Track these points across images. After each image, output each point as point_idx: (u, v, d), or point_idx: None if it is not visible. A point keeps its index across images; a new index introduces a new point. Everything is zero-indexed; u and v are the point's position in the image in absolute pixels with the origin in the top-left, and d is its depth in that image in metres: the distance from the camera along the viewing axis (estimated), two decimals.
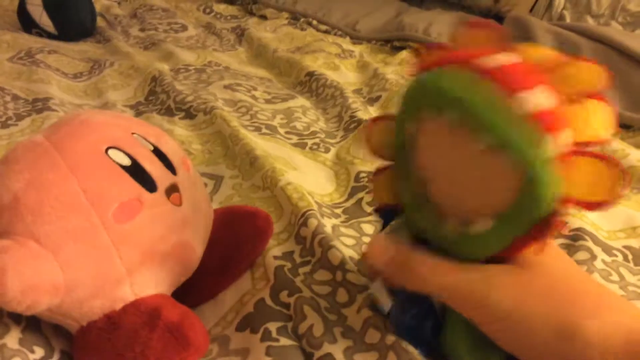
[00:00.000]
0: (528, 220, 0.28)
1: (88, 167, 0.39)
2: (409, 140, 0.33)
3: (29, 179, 0.38)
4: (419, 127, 0.32)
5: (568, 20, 1.07)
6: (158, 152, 0.43)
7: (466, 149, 0.29)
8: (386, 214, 0.40)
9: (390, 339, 0.37)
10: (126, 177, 0.40)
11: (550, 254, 0.31)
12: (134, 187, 0.40)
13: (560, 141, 0.27)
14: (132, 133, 0.43)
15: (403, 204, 0.36)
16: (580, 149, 0.28)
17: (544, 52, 0.29)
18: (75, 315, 0.39)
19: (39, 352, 0.39)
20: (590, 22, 1.06)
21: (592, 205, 0.27)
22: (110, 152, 0.41)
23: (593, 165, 0.27)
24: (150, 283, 0.41)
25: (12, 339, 0.38)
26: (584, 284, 0.31)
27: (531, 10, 1.12)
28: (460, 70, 0.28)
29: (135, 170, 0.41)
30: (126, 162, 0.41)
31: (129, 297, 0.40)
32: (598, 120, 0.28)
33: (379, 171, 0.38)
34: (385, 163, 0.37)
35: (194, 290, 0.46)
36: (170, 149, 0.45)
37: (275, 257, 0.48)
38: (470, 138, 0.28)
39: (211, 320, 0.45)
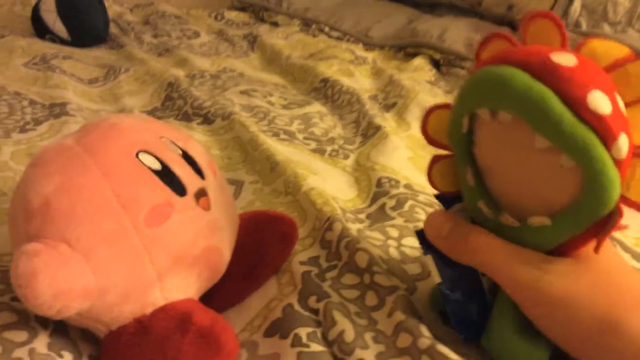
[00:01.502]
0: (588, 219, 0.28)
1: (120, 171, 0.39)
2: (467, 133, 0.33)
3: (60, 182, 0.38)
4: (478, 122, 0.32)
5: (584, 27, 1.07)
6: (186, 156, 0.43)
7: (526, 147, 0.29)
8: (447, 199, 0.39)
9: (424, 342, 0.37)
10: (157, 181, 0.40)
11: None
12: (164, 191, 0.40)
13: (622, 143, 0.27)
14: (161, 137, 0.43)
15: (461, 191, 0.36)
16: (637, 151, 0.28)
17: (608, 46, 0.29)
18: (105, 320, 0.39)
19: (68, 356, 0.39)
20: (607, 29, 1.05)
21: None
22: (140, 156, 0.40)
23: None
24: (180, 287, 0.41)
25: (41, 343, 0.38)
26: (629, 277, 0.31)
27: None
28: (525, 68, 0.28)
29: (166, 174, 0.41)
30: (156, 166, 0.40)
31: (159, 301, 0.39)
32: None
33: (436, 159, 0.38)
34: (442, 152, 0.38)
35: (219, 295, 0.46)
36: (197, 153, 0.45)
37: (302, 263, 0.48)
38: (531, 137, 0.28)
39: (238, 326, 0.45)
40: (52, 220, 0.37)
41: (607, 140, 0.26)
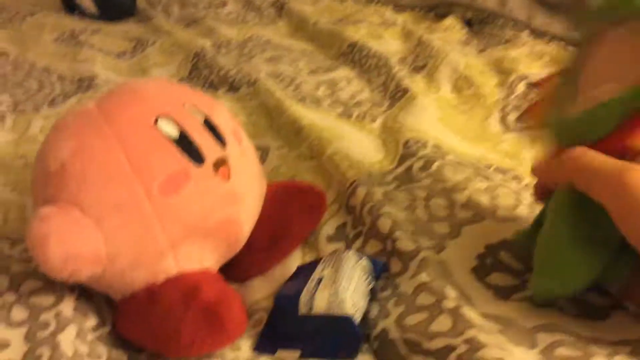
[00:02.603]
0: None
1: (135, 137, 0.39)
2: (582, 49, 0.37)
3: (76, 146, 0.38)
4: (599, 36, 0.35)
5: None
6: (209, 124, 0.42)
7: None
8: None
9: (448, 304, 0.36)
10: (173, 149, 0.39)
11: None
12: (180, 159, 0.39)
13: None
14: (184, 103, 0.42)
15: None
16: None
17: None
18: (118, 286, 0.39)
19: (92, 320, 0.39)
20: None
21: None
22: (159, 122, 0.40)
23: None
24: (195, 257, 0.40)
25: (67, 306, 0.38)
26: None
27: None
28: None
29: (183, 142, 0.40)
30: (174, 133, 0.40)
31: (172, 269, 0.39)
32: None
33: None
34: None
35: (243, 265, 0.45)
36: (222, 120, 0.44)
37: (329, 239, 0.47)
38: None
39: (260, 293, 0.44)
40: (67, 184, 0.37)
41: None
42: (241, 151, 0.44)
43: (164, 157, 0.39)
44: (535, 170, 0.38)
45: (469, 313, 0.35)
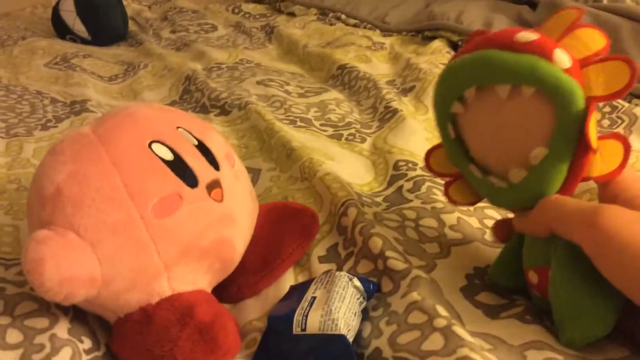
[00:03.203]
0: (571, 136, 0.34)
1: (130, 161, 0.39)
2: (453, 120, 0.41)
3: (72, 170, 0.38)
4: (466, 103, 0.39)
5: (605, 1, 1.04)
6: (202, 147, 0.43)
7: (514, 102, 0.35)
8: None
9: (440, 322, 0.36)
10: (167, 171, 0.40)
11: None
12: (174, 182, 0.40)
13: (560, 54, 0.34)
14: (178, 127, 0.43)
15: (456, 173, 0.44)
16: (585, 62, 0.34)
17: (561, 21, 0.37)
18: (112, 307, 0.39)
19: (87, 342, 0.39)
20: (628, 1, 1.02)
21: (613, 95, 0.33)
22: (153, 146, 0.41)
23: (603, 67, 0.33)
24: (189, 278, 0.41)
25: (62, 329, 0.39)
26: None
27: None
28: (502, 47, 0.35)
29: (177, 165, 0.41)
30: (169, 156, 0.41)
31: (166, 291, 0.40)
32: (609, 74, 0.34)
33: (431, 149, 0.46)
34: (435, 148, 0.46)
35: (236, 286, 0.46)
36: (215, 143, 0.45)
37: (321, 259, 0.48)
38: (518, 93, 0.35)
39: (253, 314, 0.45)
40: (63, 208, 0.37)
41: (547, 55, 0.33)
42: (234, 173, 0.45)
43: (158, 179, 0.39)
44: (515, 224, 0.40)
45: (460, 331, 0.36)
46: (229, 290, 0.45)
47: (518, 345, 0.36)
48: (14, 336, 0.37)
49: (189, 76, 0.93)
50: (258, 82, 0.90)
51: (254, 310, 0.45)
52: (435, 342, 0.35)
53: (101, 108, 0.83)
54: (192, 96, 0.88)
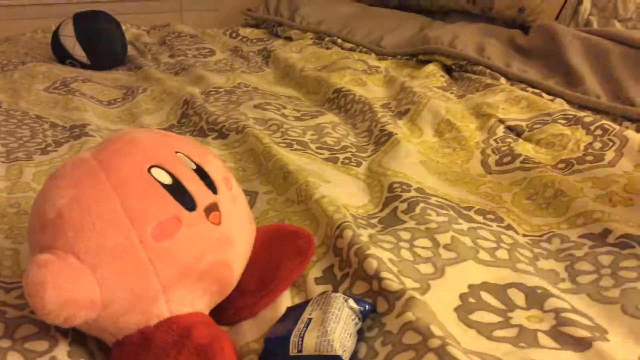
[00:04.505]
0: None
1: (130, 186, 0.40)
2: None
3: (73, 195, 0.39)
4: None
5: (595, 25, 1.07)
6: (200, 171, 0.44)
7: None
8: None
9: (434, 342, 0.37)
10: (166, 195, 0.41)
11: None
12: (173, 205, 0.41)
13: None
14: (177, 152, 0.44)
15: None
16: None
17: None
18: (111, 330, 0.40)
19: None
20: (617, 26, 1.05)
21: None
22: (153, 170, 0.42)
23: None
24: (187, 301, 0.42)
25: (61, 351, 0.39)
26: None
27: (557, 18, 1.11)
28: None
29: (176, 189, 0.42)
30: (167, 180, 0.42)
31: (164, 313, 0.40)
32: None
33: None
34: None
35: (233, 308, 0.47)
36: (213, 167, 0.46)
37: (317, 281, 0.49)
38: None
39: (250, 336, 0.45)
40: (64, 232, 0.38)
41: None
42: (231, 197, 0.46)
43: (157, 203, 0.40)
44: None
45: (454, 351, 0.36)
46: (226, 312, 0.46)
47: None
48: (14, 359, 0.38)
49: (187, 100, 0.95)
50: (255, 106, 0.91)
51: (251, 332, 0.45)
52: None
53: (100, 132, 0.84)
54: (190, 120, 0.89)
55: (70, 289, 0.37)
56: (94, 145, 0.75)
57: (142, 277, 0.39)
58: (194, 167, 0.44)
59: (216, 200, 0.43)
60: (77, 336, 0.41)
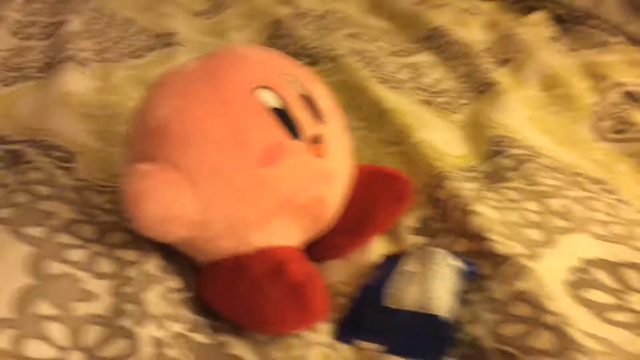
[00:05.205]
0: None
1: (236, 104, 0.38)
2: None
3: (178, 106, 0.37)
4: None
5: None
6: (308, 98, 0.41)
7: None
8: None
9: (548, 318, 0.34)
10: (272, 120, 0.38)
11: None
12: (278, 131, 0.38)
13: None
14: (285, 74, 0.41)
15: None
16: None
17: None
18: (204, 251, 0.39)
19: (177, 281, 0.39)
20: None
21: None
22: (260, 92, 0.39)
23: None
24: (282, 233, 0.39)
25: (152, 265, 0.38)
26: None
27: None
28: None
29: (282, 115, 0.39)
30: (274, 104, 0.39)
31: (260, 243, 0.38)
32: None
33: None
34: None
35: (323, 246, 0.44)
36: (321, 95, 0.42)
37: (412, 231, 0.46)
38: None
39: (337, 277, 0.43)
40: (166, 144, 0.36)
41: None
42: (337, 129, 0.43)
43: (263, 127, 0.38)
44: None
45: (573, 332, 0.33)
46: (315, 249, 0.44)
47: (637, 354, 0.33)
48: (106, 265, 0.37)
49: (276, 21, 0.91)
50: (348, 35, 0.87)
51: (340, 272, 0.44)
52: (543, 340, 0.33)
53: (189, 42, 0.81)
54: (278, 42, 0.86)
55: (169, 204, 0.35)
56: (183, 56, 0.73)
57: (240, 202, 0.37)
58: (302, 92, 0.41)
59: (322, 131, 0.41)
60: (169, 251, 0.40)
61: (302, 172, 0.39)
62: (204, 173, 0.36)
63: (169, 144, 0.36)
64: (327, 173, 0.41)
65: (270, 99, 0.39)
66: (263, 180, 0.37)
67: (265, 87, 0.39)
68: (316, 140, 0.40)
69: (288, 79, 0.41)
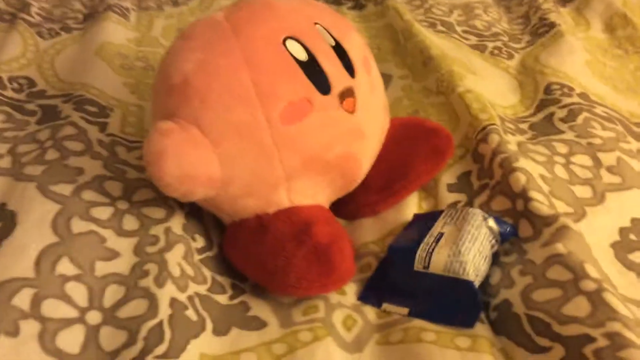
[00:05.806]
0: None
1: (262, 57, 0.36)
2: None
3: (201, 60, 0.36)
4: None
5: None
6: (339, 49, 0.39)
7: None
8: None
9: (588, 285, 0.31)
10: (300, 73, 0.36)
11: None
12: (306, 86, 0.36)
13: None
14: (316, 23, 0.39)
15: None
16: None
17: None
18: (228, 210, 0.38)
19: (200, 240, 0.38)
20: None
21: None
22: (288, 42, 0.36)
23: None
24: (308, 192, 0.38)
25: (177, 224, 0.38)
26: None
27: None
28: None
29: (311, 67, 0.36)
30: (303, 56, 0.36)
31: (285, 202, 0.37)
32: None
33: None
34: None
35: (355, 203, 0.42)
36: (353, 45, 0.40)
37: (450, 188, 0.43)
38: None
39: (369, 236, 0.41)
40: (188, 100, 0.35)
41: None
42: (369, 82, 0.40)
43: (289, 81, 0.36)
44: None
45: (612, 300, 0.30)
46: (346, 206, 0.42)
47: None
48: (130, 223, 0.37)
49: None
50: None
51: (371, 231, 0.42)
52: (580, 307, 0.31)
53: None
54: None
55: (191, 162, 0.34)
56: (225, 2, 0.71)
57: (265, 160, 0.35)
58: (333, 43, 0.39)
59: (353, 84, 0.38)
60: (193, 209, 0.40)
61: (330, 129, 0.37)
62: (227, 130, 0.35)
63: (191, 101, 0.35)
64: (358, 129, 0.39)
65: (298, 51, 0.37)
66: (288, 137, 0.36)
67: (293, 38, 0.37)
68: (346, 94, 0.38)
69: (319, 29, 0.39)
